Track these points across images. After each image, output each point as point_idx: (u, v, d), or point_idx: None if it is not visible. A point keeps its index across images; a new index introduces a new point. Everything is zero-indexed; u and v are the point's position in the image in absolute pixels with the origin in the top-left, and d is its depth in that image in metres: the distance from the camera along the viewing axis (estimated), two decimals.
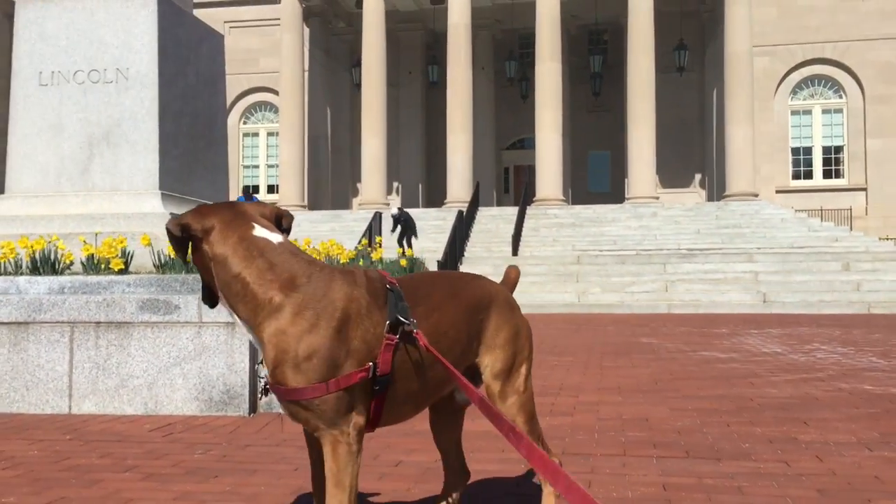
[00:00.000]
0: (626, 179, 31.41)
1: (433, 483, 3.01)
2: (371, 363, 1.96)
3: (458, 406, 2.42)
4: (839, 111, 32.63)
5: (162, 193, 7.03)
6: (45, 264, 5.34)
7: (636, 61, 28.83)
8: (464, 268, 20.32)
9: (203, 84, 7.92)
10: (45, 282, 4.91)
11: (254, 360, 4.57)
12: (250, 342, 4.43)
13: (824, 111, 32.95)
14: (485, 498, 2.83)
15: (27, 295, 4.84)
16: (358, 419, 1.97)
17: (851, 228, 27.17)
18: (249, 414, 4.51)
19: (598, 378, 6.12)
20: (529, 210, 26.99)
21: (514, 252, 21.83)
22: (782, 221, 24.50)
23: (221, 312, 4.47)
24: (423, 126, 38.00)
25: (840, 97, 32.57)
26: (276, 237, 2.02)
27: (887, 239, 25.54)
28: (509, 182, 39.39)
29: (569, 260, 20.04)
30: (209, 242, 1.97)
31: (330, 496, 1.93)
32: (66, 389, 4.63)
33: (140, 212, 6.80)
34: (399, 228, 22.58)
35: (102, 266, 5.46)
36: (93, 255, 5.53)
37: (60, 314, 4.64)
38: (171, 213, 6.91)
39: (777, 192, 32.24)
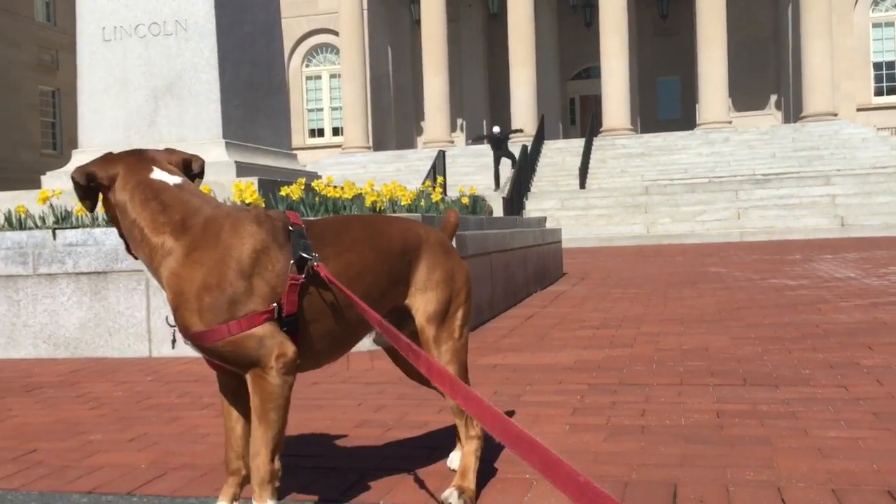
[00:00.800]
0: (696, 105, 30.54)
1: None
2: (275, 304, 1.90)
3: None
4: None
5: (226, 142, 7.20)
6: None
7: None
8: (529, 203, 20.25)
9: (259, 32, 8.00)
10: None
11: None
12: None
13: None
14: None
15: (104, 246, 5.06)
16: (281, 351, 1.89)
17: None
18: None
19: (661, 309, 6.11)
20: (596, 141, 26.59)
21: (582, 185, 21.63)
22: (863, 141, 23.57)
23: None
24: (484, 60, 37.51)
25: None
26: (174, 179, 1.97)
27: None
28: (575, 113, 38.78)
29: (637, 191, 19.76)
30: (113, 190, 1.93)
31: (255, 435, 1.88)
32: (145, 334, 4.87)
33: (206, 161, 6.98)
34: (495, 149, 22.14)
35: None
36: None
37: (135, 263, 4.85)
38: (236, 161, 7.09)
39: (858, 110, 30.95)
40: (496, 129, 23.32)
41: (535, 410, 3.16)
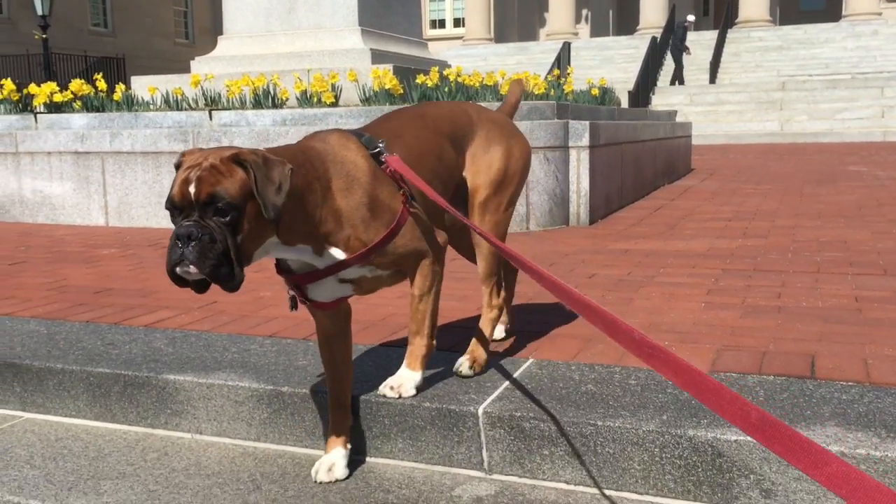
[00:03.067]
0: None
1: (625, 292, 3.24)
2: (402, 190, 1.97)
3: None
4: None
5: (362, 29, 7.33)
6: (265, 99, 5.85)
7: None
8: (656, 98, 19.65)
9: None
10: (269, 115, 5.41)
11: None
12: None
13: None
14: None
15: (255, 126, 5.37)
16: (438, 239, 2.04)
17: None
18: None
19: (796, 204, 6.00)
20: (730, 33, 25.28)
21: (712, 80, 20.78)
22: None
23: None
24: None
25: None
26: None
27: None
28: (708, 4, 36.81)
29: (772, 86, 18.84)
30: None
31: (419, 305, 2.06)
32: None
33: (342, 48, 7.17)
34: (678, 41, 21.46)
35: (314, 100, 5.90)
36: (305, 90, 5.98)
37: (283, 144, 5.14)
38: (371, 49, 7.24)
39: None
40: (690, 17, 22.35)
41: (669, 290, 3.27)
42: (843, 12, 27.24)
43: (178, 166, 1.71)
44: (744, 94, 18.59)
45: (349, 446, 2.10)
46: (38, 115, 6.03)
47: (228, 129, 5.30)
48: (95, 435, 2.41)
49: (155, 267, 4.08)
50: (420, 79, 6.08)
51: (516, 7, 35.71)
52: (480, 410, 2.06)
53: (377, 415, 2.16)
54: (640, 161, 6.75)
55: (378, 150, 1.95)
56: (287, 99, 5.88)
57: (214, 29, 37.82)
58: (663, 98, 19.26)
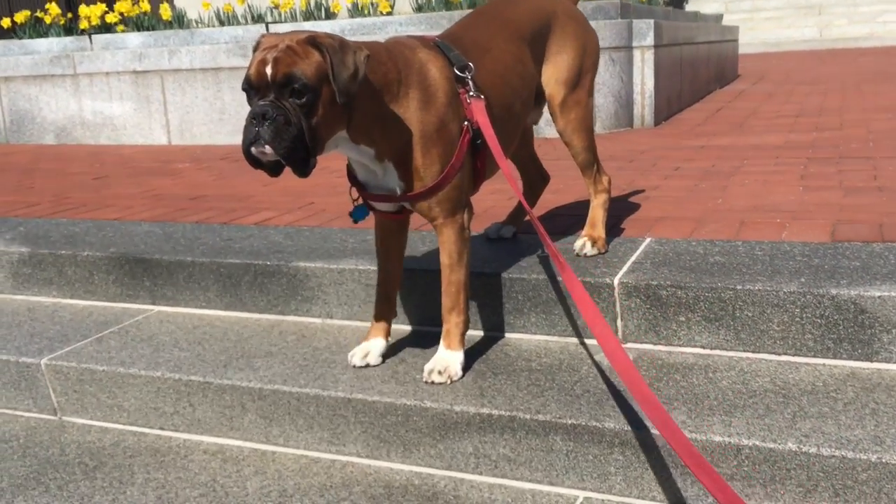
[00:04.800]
0: None
1: (716, 180, 3.26)
2: (466, 122, 1.91)
3: (527, 125, 2.41)
4: None
5: None
6: (318, 10, 5.81)
7: None
8: (689, 6, 19.18)
9: None
10: (326, 25, 5.38)
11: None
12: None
13: None
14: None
15: None
16: (468, 200, 1.98)
17: None
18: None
19: (860, 101, 5.93)
20: None
21: None
22: None
23: None
24: None
25: None
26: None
27: None
28: None
29: None
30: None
31: (452, 275, 1.97)
32: None
33: None
34: None
35: (367, 11, 5.86)
36: (356, 2, 5.93)
37: None
38: None
39: None
40: None
41: (760, 178, 3.29)
42: None
43: (255, 49, 1.72)
44: None
45: (389, 339, 2.15)
46: (93, 37, 6.03)
47: None
48: (229, 322, 2.51)
49: (237, 176, 4.14)
50: None
51: None
52: (616, 281, 2.12)
53: (511, 291, 2.23)
54: (696, 63, 6.67)
55: (465, 76, 1.92)
56: (339, 11, 5.83)
57: None
58: (697, 5, 18.80)
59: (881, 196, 2.79)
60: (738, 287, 2.00)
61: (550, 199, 3.09)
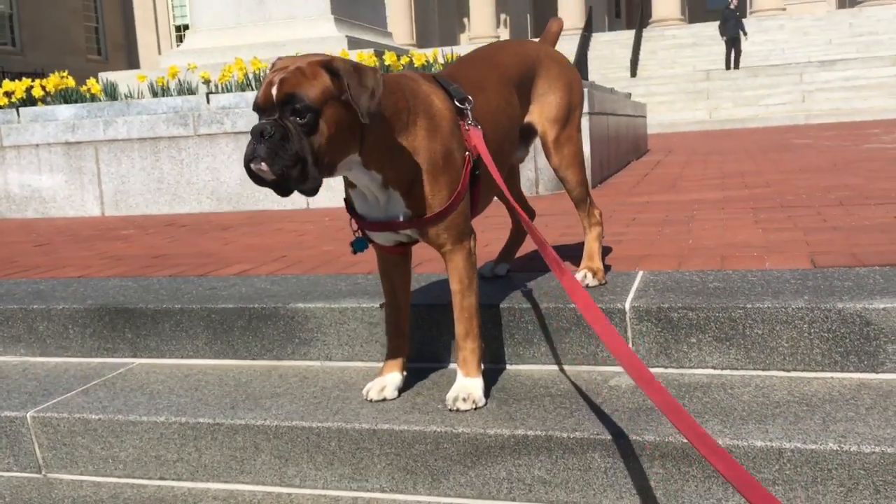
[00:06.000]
0: None
1: (677, 227, 3.39)
2: (467, 153, 1.95)
3: (513, 164, 2.50)
4: None
5: (334, 18, 7.38)
6: (257, 82, 5.84)
7: None
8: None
9: None
10: None
11: None
12: None
13: None
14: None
15: None
16: (472, 227, 2.00)
17: None
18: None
19: (772, 165, 6.32)
20: (645, 32, 26.12)
21: (633, 74, 21.42)
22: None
23: None
24: None
25: None
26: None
27: None
28: (620, 6, 37.90)
29: (698, 77, 19.57)
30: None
31: (464, 301, 1.97)
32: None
33: (317, 36, 7.20)
34: (728, 28, 21.26)
35: None
36: None
37: None
38: (347, 36, 7.28)
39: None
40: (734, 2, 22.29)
41: (717, 223, 3.45)
42: (751, 8, 28.48)
43: (270, 69, 1.76)
44: (671, 84, 19.25)
45: (405, 372, 2.13)
46: (20, 109, 5.86)
47: (230, 111, 5.28)
48: (222, 370, 2.42)
49: (192, 237, 4.05)
50: (389, 59, 6.15)
51: (437, 14, 36.05)
52: (627, 306, 2.17)
53: (520, 321, 2.25)
54: (619, 133, 6.99)
55: (464, 108, 1.97)
56: None
57: (127, 45, 36.98)
58: None
59: (839, 233, 2.97)
60: (748, 306, 2.08)
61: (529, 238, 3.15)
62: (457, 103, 1.97)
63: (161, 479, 2.11)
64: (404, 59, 6.28)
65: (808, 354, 2.06)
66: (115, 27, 36.84)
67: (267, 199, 5.26)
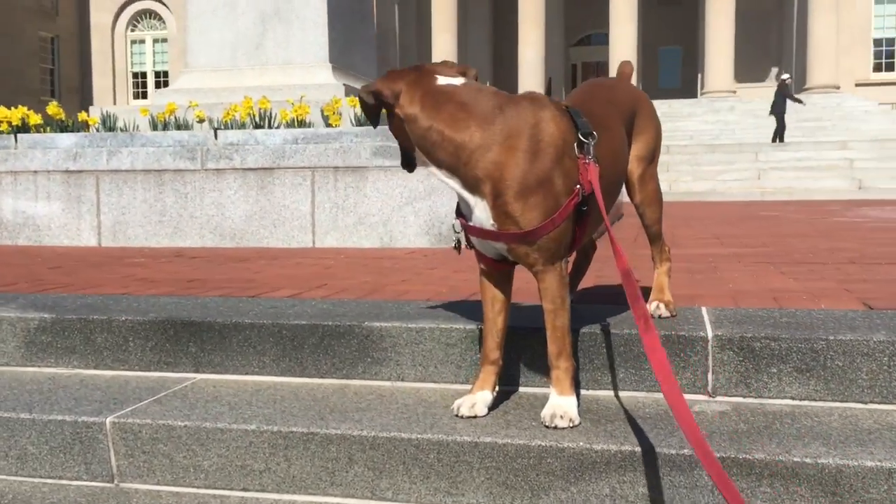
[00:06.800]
0: (698, 74, 30.90)
1: (706, 274, 3.49)
2: (578, 186, 1.96)
3: None
4: None
5: (332, 65, 7.47)
6: (264, 120, 5.87)
7: None
8: None
9: None
10: (280, 134, 5.43)
11: None
12: None
13: None
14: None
15: (265, 145, 5.37)
16: (567, 250, 2.01)
17: None
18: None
19: (761, 229, 6.52)
20: None
21: None
22: (865, 114, 24.11)
23: None
24: (490, 22, 37.57)
25: None
26: (459, 80, 1.96)
27: None
28: (577, 80, 39.02)
29: None
30: (400, 106, 1.92)
31: (557, 320, 2.00)
32: (309, 226, 5.21)
33: (314, 83, 7.27)
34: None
35: (310, 124, 5.97)
36: (293, 118, 6.03)
37: (302, 160, 5.18)
38: (343, 84, 7.37)
39: (856, 85, 31.47)
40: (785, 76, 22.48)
41: (744, 273, 3.55)
42: (703, 89, 29.59)
43: None
44: None
45: (495, 392, 2.13)
46: (18, 135, 5.77)
47: (240, 147, 5.28)
48: (292, 387, 2.39)
49: (215, 267, 4.00)
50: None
51: None
52: (710, 334, 2.22)
53: (600, 346, 2.28)
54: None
55: (587, 142, 1.99)
56: (287, 121, 5.91)
57: (82, 89, 36.62)
58: None
59: (873, 284, 3.09)
60: (830, 338, 2.15)
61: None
62: (580, 136, 2.01)
63: (244, 489, 2.06)
64: None
65: (887, 387, 2.14)
66: (71, 71, 36.52)
67: (272, 237, 5.24)
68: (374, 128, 2.23)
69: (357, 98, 6.54)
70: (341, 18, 7.81)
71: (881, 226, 7.01)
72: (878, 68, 32.32)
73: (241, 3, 7.57)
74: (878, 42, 32.30)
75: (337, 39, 7.65)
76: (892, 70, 31.94)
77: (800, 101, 21.95)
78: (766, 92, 33.05)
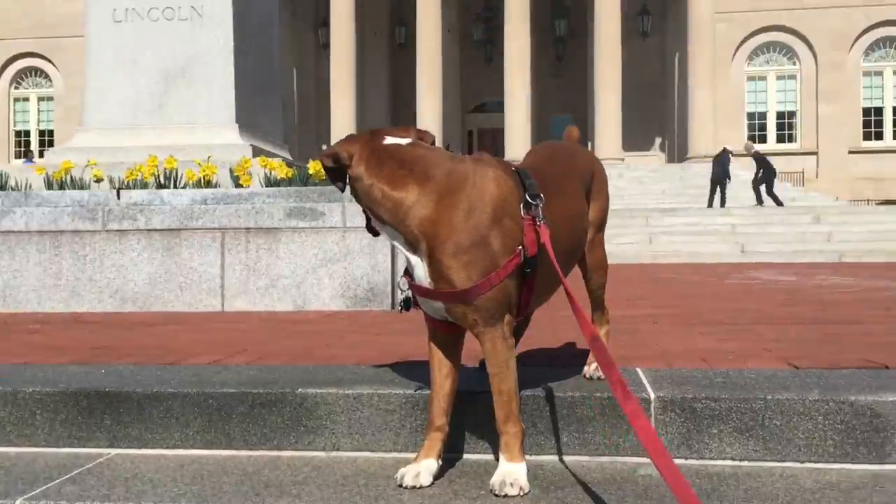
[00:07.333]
0: (589, 141, 32.05)
1: (631, 336, 3.52)
2: (520, 247, 1.94)
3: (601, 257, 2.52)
4: (793, 77, 33.58)
5: (238, 126, 7.34)
6: (169, 180, 5.68)
7: (603, 27, 29.44)
8: None
9: (265, 23, 8.21)
10: (188, 194, 5.26)
11: (394, 260, 5.02)
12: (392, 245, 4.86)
13: (779, 77, 33.87)
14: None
15: (172, 205, 5.18)
16: (510, 313, 1.97)
17: (805, 190, 28.26)
18: (392, 309, 4.97)
19: (662, 291, 6.70)
20: None
21: None
22: (744, 183, 25.46)
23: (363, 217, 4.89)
24: (388, 89, 38.07)
25: (794, 63, 33.52)
26: (406, 140, 1.98)
27: (837, 200, 26.63)
28: (473, 146, 39.83)
29: None
30: (351, 167, 1.94)
31: (502, 384, 1.96)
32: (218, 289, 5.02)
33: (220, 143, 7.11)
34: (760, 172, 22.28)
35: (216, 184, 5.81)
36: (199, 178, 5.87)
37: (212, 221, 5.01)
38: (251, 145, 7.25)
39: (733, 156, 33.31)
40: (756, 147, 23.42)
41: (664, 334, 3.61)
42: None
43: None
44: None
45: (440, 461, 2.04)
46: None
47: (145, 208, 5.07)
48: (219, 460, 2.24)
49: (119, 332, 3.77)
50: (284, 173, 6.11)
51: (297, 139, 36.50)
52: (652, 395, 2.22)
53: (543, 410, 2.24)
54: None
55: (534, 203, 1.98)
56: (194, 181, 5.74)
57: None
58: None
59: (791, 343, 3.19)
60: (768, 397, 2.18)
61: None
62: (528, 197, 1.99)
63: None
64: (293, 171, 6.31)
65: (822, 446, 2.17)
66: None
67: (178, 301, 5.02)
68: (342, 192, 2.20)
69: (265, 158, 6.45)
70: (249, 80, 7.72)
71: (771, 287, 7.33)
72: (751, 140, 34.28)
73: (143, 60, 7.38)
74: (750, 116, 34.34)
75: (244, 101, 7.54)
76: (765, 141, 33.95)
77: (728, 177, 23.25)
78: (651, 161, 34.54)
